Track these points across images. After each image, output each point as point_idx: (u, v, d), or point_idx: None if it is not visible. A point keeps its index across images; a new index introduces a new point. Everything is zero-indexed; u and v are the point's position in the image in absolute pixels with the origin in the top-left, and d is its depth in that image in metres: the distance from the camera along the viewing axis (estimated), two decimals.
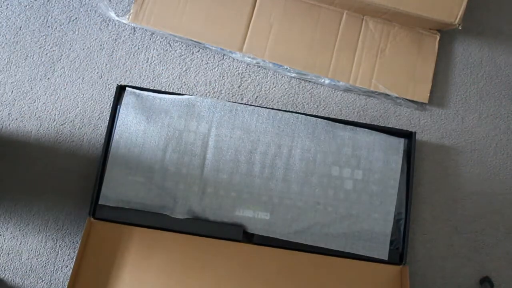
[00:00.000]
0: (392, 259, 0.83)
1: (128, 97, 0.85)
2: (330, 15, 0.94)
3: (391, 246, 0.83)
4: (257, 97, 0.93)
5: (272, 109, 0.87)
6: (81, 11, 0.94)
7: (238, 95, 0.93)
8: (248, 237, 0.83)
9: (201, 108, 0.85)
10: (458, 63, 0.98)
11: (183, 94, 0.87)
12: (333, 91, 0.94)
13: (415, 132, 0.87)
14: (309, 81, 0.94)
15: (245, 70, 0.94)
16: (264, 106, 0.92)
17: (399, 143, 0.87)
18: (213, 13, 0.93)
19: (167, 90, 0.91)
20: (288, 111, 0.87)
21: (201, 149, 0.84)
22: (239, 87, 0.93)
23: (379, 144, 0.86)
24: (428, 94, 0.94)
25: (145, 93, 0.86)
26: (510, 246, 0.90)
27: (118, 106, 0.85)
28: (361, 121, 0.90)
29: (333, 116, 0.92)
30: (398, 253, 0.83)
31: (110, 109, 0.87)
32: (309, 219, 0.83)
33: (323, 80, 0.93)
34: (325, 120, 0.87)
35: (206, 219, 0.82)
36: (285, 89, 0.94)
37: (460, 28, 0.89)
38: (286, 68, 0.93)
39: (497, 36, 1.00)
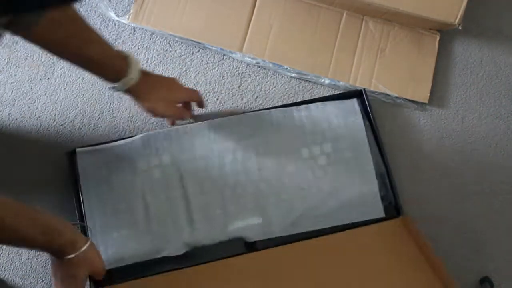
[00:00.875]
0: (389, 214, 0.83)
1: (82, 159, 0.82)
2: (330, 15, 0.94)
3: (383, 202, 0.84)
4: (257, 97, 0.93)
5: (224, 117, 0.85)
6: (81, 11, 0.94)
7: (238, 95, 0.93)
8: (251, 246, 0.82)
9: (156, 142, 0.83)
10: (458, 63, 0.98)
11: (134, 136, 0.84)
12: (333, 91, 0.94)
13: (364, 89, 0.88)
14: (309, 81, 0.94)
15: (245, 70, 0.94)
16: (264, 106, 0.92)
17: (353, 104, 0.88)
18: (213, 13, 0.93)
19: (119, 137, 0.86)
20: (239, 113, 0.86)
21: (172, 181, 0.82)
22: (239, 87, 0.93)
23: (335, 112, 0.86)
24: (428, 94, 0.94)
25: (97, 147, 0.83)
26: (510, 246, 0.90)
27: (76, 173, 0.81)
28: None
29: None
30: (393, 207, 0.84)
31: (72, 178, 0.82)
32: (300, 207, 0.82)
33: (323, 80, 0.93)
34: (279, 109, 0.87)
35: (203, 245, 0.80)
36: (285, 89, 0.94)
37: (460, 28, 0.89)
38: (286, 68, 0.93)
39: (497, 36, 1.00)
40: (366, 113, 0.88)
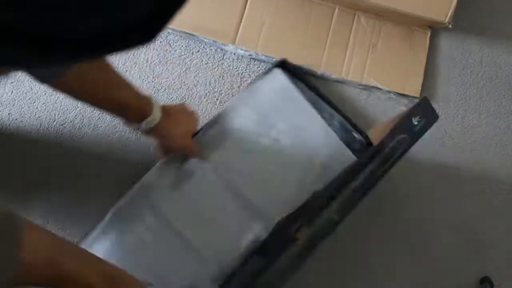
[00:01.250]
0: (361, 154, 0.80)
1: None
2: (322, 10, 0.94)
3: (355, 145, 0.81)
4: None
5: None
6: None
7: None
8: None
9: (133, 211, 0.77)
10: (458, 63, 0.98)
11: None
12: None
13: (286, 58, 0.86)
14: None
15: (245, 70, 0.94)
16: None
17: (277, 74, 0.83)
18: (206, 6, 0.93)
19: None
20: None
21: (165, 236, 0.76)
22: (239, 87, 0.93)
23: (266, 88, 0.82)
24: (420, 89, 0.94)
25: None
26: (510, 246, 0.90)
27: None
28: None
29: None
30: (365, 144, 0.81)
31: None
32: (290, 193, 0.78)
33: None
34: (217, 116, 0.82)
35: (229, 273, 0.74)
36: None
37: (450, 26, 0.89)
38: None
39: (497, 36, 1.00)
40: (299, 79, 0.84)
